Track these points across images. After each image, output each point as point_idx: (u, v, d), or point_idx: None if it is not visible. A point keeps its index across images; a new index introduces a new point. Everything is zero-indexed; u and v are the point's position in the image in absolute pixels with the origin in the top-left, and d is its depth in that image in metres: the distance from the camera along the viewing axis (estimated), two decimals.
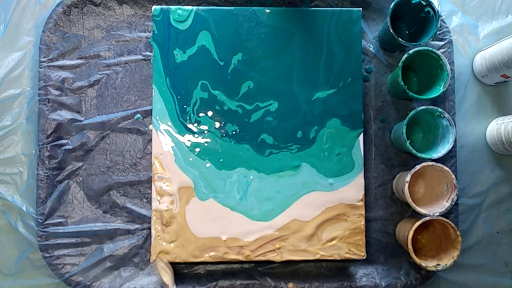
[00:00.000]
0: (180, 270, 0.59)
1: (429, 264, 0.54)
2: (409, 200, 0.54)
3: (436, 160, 0.56)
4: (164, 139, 0.56)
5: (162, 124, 0.56)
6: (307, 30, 0.58)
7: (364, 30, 0.61)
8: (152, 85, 0.57)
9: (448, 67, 0.55)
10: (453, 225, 0.54)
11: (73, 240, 0.58)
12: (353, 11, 0.58)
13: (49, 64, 0.59)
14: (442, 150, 0.54)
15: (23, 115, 0.60)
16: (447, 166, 0.56)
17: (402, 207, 0.60)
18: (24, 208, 0.58)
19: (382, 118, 0.61)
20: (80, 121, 0.60)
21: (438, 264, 0.54)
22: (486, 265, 0.60)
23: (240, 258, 0.56)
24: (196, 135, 0.57)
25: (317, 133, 0.57)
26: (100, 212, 0.59)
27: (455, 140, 0.60)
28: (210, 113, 0.57)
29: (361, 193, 0.57)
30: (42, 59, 0.59)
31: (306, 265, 0.59)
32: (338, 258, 0.56)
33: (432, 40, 0.60)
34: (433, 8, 0.55)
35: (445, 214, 0.58)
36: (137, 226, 0.59)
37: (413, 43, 0.56)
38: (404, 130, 0.54)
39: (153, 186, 0.56)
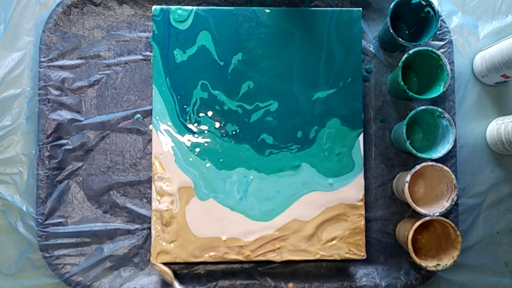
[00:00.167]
0: (180, 270, 0.59)
1: (429, 264, 0.54)
2: (409, 200, 0.54)
3: (436, 160, 0.56)
4: (164, 139, 0.56)
5: (162, 124, 0.57)
6: (307, 30, 0.58)
7: (364, 30, 0.61)
8: (152, 85, 0.57)
9: (448, 67, 0.55)
10: (453, 225, 0.54)
11: (73, 240, 0.58)
12: (353, 11, 0.58)
13: (49, 64, 0.59)
14: (442, 150, 0.54)
15: (23, 115, 0.60)
16: (447, 166, 0.56)
17: (402, 207, 0.60)
18: (24, 208, 0.58)
19: (382, 118, 0.61)
20: (80, 121, 0.60)
21: (438, 264, 0.54)
22: (486, 265, 0.60)
23: (240, 258, 0.56)
24: (196, 135, 0.57)
25: (317, 133, 0.57)
26: (100, 212, 0.59)
27: (455, 140, 0.60)
28: (210, 113, 0.57)
29: (361, 193, 0.57)
30: (42, 59, 0.59)
31: (306, 265, 0.59)
32: (338, 258, 0.56)
33: (432, 40, 0.60)
34: (433, 8, 0.55)
35: (445, 214, 0.58)
36: (137, 226, 0.59)
37: (413, 43, 0.56)
38: (404, 130, 0.54)
39: (153, 186, 0.56)
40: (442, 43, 0.61)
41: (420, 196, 0.59)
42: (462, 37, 0.62)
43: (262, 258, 0.56)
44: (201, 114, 0.57)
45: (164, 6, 0.57)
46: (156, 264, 0.56)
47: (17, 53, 0.60)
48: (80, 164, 0.60)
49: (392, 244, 0.60)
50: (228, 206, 0.56)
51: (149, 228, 0.59)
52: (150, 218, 0.59)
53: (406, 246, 0.55)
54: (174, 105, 0.57)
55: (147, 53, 0.61)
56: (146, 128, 0.60)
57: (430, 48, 0.54)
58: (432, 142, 0.58)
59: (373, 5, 0.61)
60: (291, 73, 0.57)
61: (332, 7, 0.61)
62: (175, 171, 0.56)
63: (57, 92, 0.59)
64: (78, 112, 0.60)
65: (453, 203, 0.54)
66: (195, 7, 0.57)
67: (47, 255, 0.58)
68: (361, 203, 0.57)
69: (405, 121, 0.54)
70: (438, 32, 0.60)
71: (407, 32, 0.61)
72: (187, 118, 0.57)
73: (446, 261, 0.54)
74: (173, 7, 0.57)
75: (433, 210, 0.55)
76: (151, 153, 0.59)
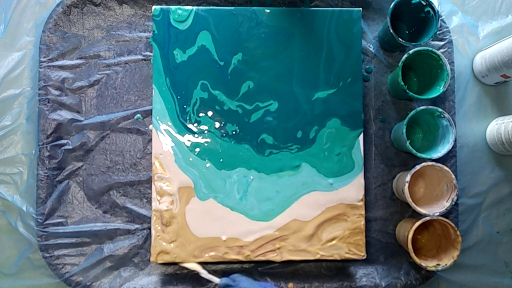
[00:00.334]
0: (180, 270, 0.59)
1: (429, 264, 0.54)
2: (409, 200, 0.54)
3: (436, 160, 0.56)
4: (164, 139, 0.56)
5: (162, 124, 0.56)
6: (307, 30, 0.58)
7: (364, 30, 0.61)
8: (152, 85, 0.57)
9: (448, 67, 0.55)
10: (453, 225, 0.54)
11: (73, 240, 0.58)
12: (353, 11, 0.58)
13: (49, 64, 0.59)
14: (442, 150, 0.54)
15: (23, 115, 0.60)
16: (447, 166, 0.56)
17: (402, 207, 0.60)
18: (24, 208, 0.58)
19: (382, 118, 0.61)
20: (80, 121, 0.60)
21: (438, 264, 0.54)
22: (486, 265, 0.60)
23: (240, 258, 0.56)
24: (196, 135, 0.57)
25: (317, 133, 0.57)
26: (100, 212, 0.59)
27: (455, 140, 0.60)
28: (210, 113, 0.57)
29: (361, 193, 0.57)
30: (42, 59, 0.59)
31: (306, 265, 0.59)
32: (338, 258, 0.56)
33: (432, 40, 0.60)
34: (433, 8, 0.55)
35: (445, 214, 0.58)
36: (137, 226, 0.59)
37: (413, 43, 0.56)
38: (404, 130, 0.54)
39: (153, 186, 0.56)
40: (442, 43, 0.61)
41: (420, 196, 0.59)
42: (462, 37, 0.62)
43: (262, 258, 0.56)
44: (201, 114, 0.57)
45: (164, 6, 0.57)
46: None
47: (17, 53, 0.60)
48: (80, 164, 0.60)
49: (392, 244, 0.60)
50: (228, 206, 0.56)
51: (149, 228, 0.59)
52: (150, 218, 0.59)
53: (406, 246, 0.55)
54: (174, 105, 0.57)
55: (147, 53, 0.61)
56: (146, 128, 0.60)
57: (430, 48, 0.54)
58: (432, 142, 0.57)
59: (373, 5, 0.61)
60: (291, 73, 0.57)
61: (332, 7, 0.61)
62: (175, 171, 0.56)
63: (57, 92, 0.59)
64: (78, 112, 0.60)
65: (453, 203, 0.54)
66: (195, 7, 0.57)
67: (47, 255, 0.58)
68: (361, 203, 0.57)
69: (405, 121, 0.54)
70: (438, 32, 0.60)
71: (407, 32, 0.61)
72: (187, 118, 0.57)
73: (446, 261, 0.54)
74: (173, 7, 0.57)
75: (433, 210, 0.55)
76: (151, 153, 0.59)
